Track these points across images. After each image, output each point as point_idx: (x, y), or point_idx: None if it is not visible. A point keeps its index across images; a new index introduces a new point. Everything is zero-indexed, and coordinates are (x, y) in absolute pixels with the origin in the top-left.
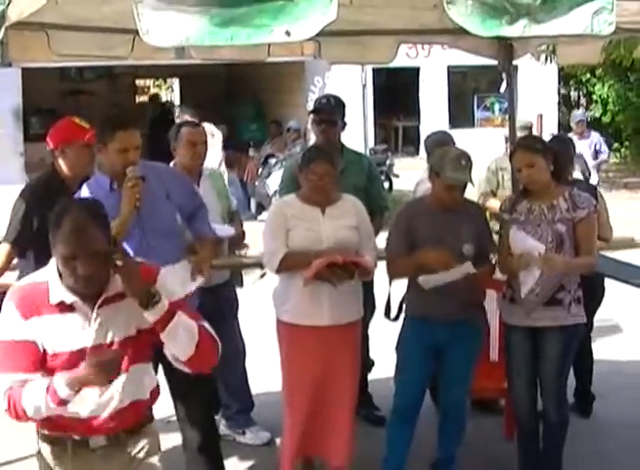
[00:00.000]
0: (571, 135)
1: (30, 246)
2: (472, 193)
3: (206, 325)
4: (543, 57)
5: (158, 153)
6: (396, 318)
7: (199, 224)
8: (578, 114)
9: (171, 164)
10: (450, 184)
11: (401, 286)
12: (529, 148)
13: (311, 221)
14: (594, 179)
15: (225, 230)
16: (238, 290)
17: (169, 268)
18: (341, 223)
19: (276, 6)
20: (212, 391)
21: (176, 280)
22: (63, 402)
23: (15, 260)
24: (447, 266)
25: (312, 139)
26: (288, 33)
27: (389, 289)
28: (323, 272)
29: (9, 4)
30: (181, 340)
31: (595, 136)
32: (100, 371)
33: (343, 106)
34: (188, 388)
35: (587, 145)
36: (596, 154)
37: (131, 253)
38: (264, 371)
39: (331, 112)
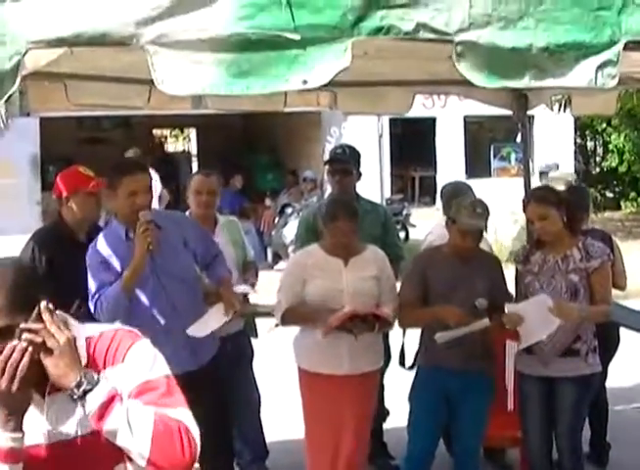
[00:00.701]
0: None
1: None
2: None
3: (177, 414)
4: (556, 107)
5: None
6: (412, 367)
7: (217, 270)
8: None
9: (187, 212)
10: (465, 230)
11: (415, 334)
12: (542, 200)
13: (333, 272)
14: None
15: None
16: (253, 339)
17: (204, 318)
18: (362, 275)
19: (290, 56)
20: (229, 439)
21: (211, 320)
22: (10, 456)
23: None
24: (463, 323)
25: (328, 189)
26: (305, 82)
27: (403, 338)
28: (344, 323)
29: (25, 54)
30: (124, 438)
31: None
32: None
33: (359, 156)
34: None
35: None
36: None
37: (145, 298)
38: (280, 420)
39: (345, 162)
